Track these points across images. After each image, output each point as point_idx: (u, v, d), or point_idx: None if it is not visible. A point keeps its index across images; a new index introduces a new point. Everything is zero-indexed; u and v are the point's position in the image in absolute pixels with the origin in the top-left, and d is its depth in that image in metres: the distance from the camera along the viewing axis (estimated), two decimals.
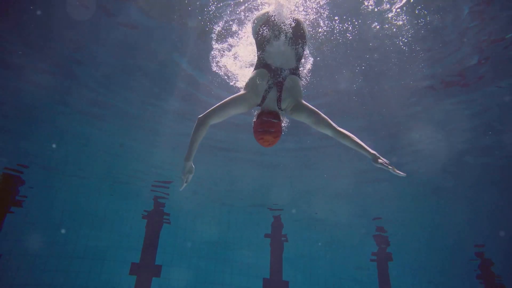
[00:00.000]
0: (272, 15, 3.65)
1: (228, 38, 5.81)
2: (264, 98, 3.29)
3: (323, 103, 7.73)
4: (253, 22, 3.98)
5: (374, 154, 3.11)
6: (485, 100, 7.35)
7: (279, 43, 3.48)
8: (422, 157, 10.11)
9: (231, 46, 5.88)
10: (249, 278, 17.36)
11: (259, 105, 3.33)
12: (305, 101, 3.40)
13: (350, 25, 5.55)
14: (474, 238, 18.09)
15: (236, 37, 5.68)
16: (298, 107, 3.28)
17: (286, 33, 3.51)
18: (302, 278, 18.67)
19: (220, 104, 3.22)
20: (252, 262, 18.10)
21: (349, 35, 5.78)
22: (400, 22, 5.49)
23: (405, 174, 2.96)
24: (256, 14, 4.18)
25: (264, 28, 3.57)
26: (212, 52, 6.18)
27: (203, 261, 17.53)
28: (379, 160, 3.04)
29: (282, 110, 3.34)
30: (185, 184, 3.26)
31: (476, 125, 8.32)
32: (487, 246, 18.78)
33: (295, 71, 3.44)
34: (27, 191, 14.49)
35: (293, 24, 3.57)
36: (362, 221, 17.61)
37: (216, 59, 6.26)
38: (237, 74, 6.12)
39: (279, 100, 3.28)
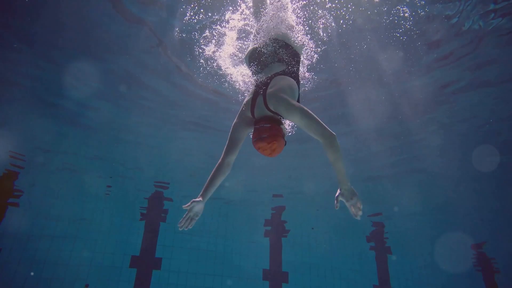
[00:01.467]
0: (256, 50, 3.63)
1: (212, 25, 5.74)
2: (253, 106, 3.10)
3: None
4: (244, 60, 4.07)
5: (349, 189, 2.73)
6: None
7: (267, 68, 3.47)
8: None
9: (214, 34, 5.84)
10: (249, 270, 17.51)
11: (252, 115, 3.15)
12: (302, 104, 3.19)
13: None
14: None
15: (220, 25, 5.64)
16: (287, 107, 2.83)
17: (274, 57, 3.48)
18: (301, 268, 18.84)
19: (228, 139, 3.16)
20: (252, 253, 18.24)
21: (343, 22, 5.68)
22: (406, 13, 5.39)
23: (359, 219, 2.74)
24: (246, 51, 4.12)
25: (253, 64, 3.62)
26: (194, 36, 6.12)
27: (203, 253, 17.64)
28: (350, 197, 2.69)
29: (274, 113, 3.03)
30: (184, 224, 2.83)
31: (477, 115, 8.26)
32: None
33: (282, 73, 3.31)
34: (26, 185, 14.44)
35: (280, 45, 3.53)
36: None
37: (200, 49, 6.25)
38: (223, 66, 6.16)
39: (265, 101, 3.02)
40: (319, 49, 6.05)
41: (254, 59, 3.60)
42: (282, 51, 3.51)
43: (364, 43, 6.17)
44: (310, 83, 7.07)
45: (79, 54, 7.01)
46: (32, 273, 13.63)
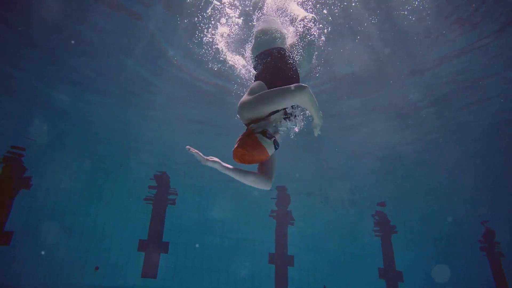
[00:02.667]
0: None
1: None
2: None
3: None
4: None
5: (321, 118, 2.96)
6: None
7: None
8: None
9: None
10: (255, 254, 17.68)
11: None
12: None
13: None
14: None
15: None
16: (247, 108, 2.75)
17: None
18: (306, 253, 19.00)
19: None
20: (258, 238, 18.38)
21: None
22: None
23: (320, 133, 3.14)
24: None
25: None
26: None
27: (209, 238, 17.83)
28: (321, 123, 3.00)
29: (251, 123, 2.89)
30: (194, 152, 2.72)
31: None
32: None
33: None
34: (33, 172, 14.60)
35: (256, 62, 3.49)
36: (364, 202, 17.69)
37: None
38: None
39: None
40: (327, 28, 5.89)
41: None
42: (257, 64, 3.41)
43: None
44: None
45: (76, 49, 6.96)
46: (43, 252, 13.96)
